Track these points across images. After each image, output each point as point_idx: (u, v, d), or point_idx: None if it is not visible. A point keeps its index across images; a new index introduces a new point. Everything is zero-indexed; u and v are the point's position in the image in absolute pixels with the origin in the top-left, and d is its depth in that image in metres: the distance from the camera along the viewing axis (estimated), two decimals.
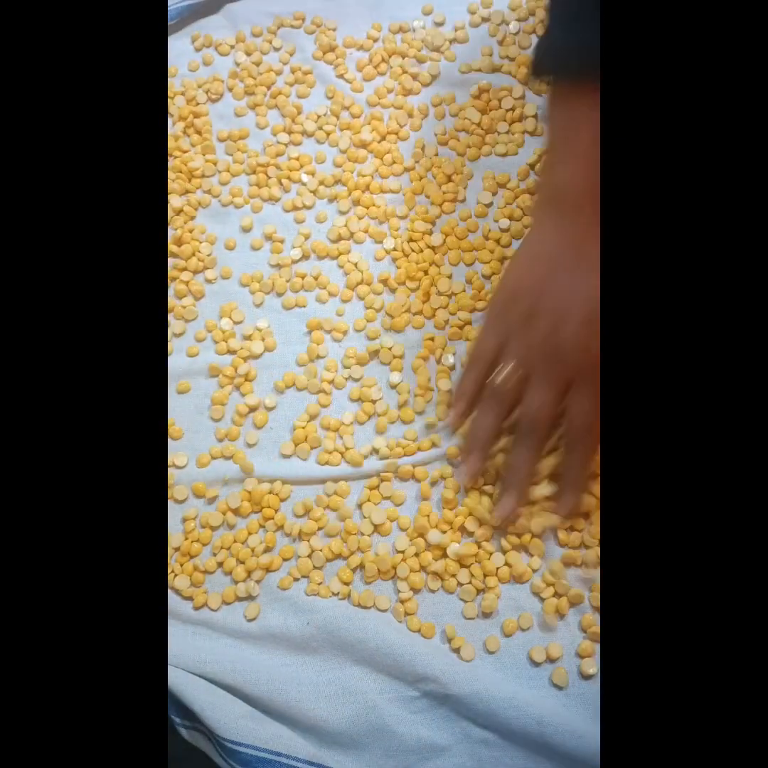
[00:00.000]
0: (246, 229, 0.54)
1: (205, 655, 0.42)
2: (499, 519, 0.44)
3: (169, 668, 0.41)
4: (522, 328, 0.44)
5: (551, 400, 0.43)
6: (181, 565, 0.45)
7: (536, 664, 0.42)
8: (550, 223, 0.44)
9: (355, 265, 0.52)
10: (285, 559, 0.45)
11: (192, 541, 0.45)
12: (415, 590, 0.44)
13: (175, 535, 0.46)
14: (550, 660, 0.42)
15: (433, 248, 0.51)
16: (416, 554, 0.44)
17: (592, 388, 0.42)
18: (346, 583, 0.44)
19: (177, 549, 0.45)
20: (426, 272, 0.51)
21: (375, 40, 0.59)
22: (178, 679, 0.41)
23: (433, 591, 0.44)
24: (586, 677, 0.41)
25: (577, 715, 0.40)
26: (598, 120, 0.36)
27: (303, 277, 0.52)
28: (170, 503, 0.47)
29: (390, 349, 0.49)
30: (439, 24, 0.59)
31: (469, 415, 0.46)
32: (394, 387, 0.49)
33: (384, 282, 0.51)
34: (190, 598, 0.45)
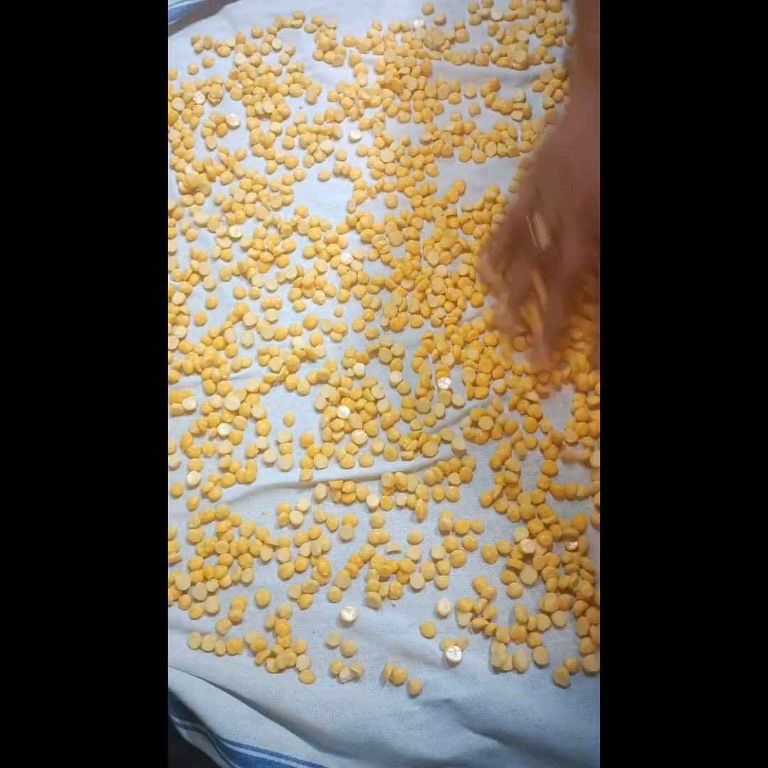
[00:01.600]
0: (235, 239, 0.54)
1: (203, 659, 0.43)
2: (537, 368, 0.47)
3: (169, 669, 0.41)
4: (556, 188, 0.46)
5: (585, 253, 0.45)
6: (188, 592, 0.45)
7: (538, 666, 0.42)
8: (585, 89, 0.47)
9: (349, 266, 0.52)
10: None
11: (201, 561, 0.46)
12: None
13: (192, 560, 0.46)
14: (551, 661, 0.42)
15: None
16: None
17: (594, 241, 0.44)
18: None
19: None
20: (420, 270, 0.51)
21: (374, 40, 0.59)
22: (178, 680, 0.41)
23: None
24: (588, 674, 0.41)
25: (576, 717, 0.40)
26: None
27: (301, 275, 0.52)
28: (179, 527, 0.47)
29: (389, 348, 0.49)
30: (440, 23, 0.59)
31: (501, 269, 0.49)
32: (394, 386, 0.49)
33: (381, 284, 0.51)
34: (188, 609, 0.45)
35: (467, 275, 0.51)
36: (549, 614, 0.43)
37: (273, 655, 0.43)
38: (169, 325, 0.51)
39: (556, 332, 0.47)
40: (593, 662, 0.41)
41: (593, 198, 0.44)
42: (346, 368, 0.49)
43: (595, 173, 0.43)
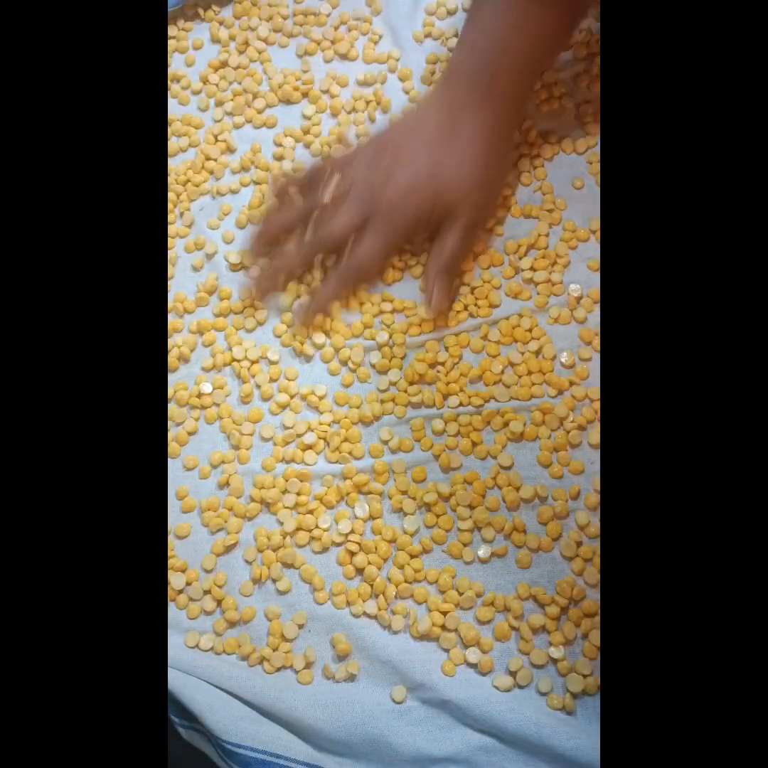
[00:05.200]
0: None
1: (201, 659, 0.43)
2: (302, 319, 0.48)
3: (169, 669, 0.42)
4: (362, 168, 0.47)
5: (376, 247, 0.47)
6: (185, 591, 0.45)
7: (537, 666, 0.42)
8: (435, 92, 0.48)
9: None
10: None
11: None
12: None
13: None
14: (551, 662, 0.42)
15: None
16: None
17: (383, 232, 0.47)
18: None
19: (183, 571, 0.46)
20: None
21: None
22: (177, 680, 0.41)
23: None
24: (584, 676, 0.41)
25: (575, 716, 0.40)
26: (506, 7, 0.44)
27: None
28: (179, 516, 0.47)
29: (390, 348, 0.49)
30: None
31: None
32: (393, 385, 0.48)
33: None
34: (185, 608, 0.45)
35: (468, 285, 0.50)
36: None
37: (270, 655, 0.43)
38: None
39: (315, 309, 0.48)
40: (587, 666, 0.41)
41: (401, 200, 0.45)
42: (344, 367, 0.49)
43: (401, 161, 0.45)
